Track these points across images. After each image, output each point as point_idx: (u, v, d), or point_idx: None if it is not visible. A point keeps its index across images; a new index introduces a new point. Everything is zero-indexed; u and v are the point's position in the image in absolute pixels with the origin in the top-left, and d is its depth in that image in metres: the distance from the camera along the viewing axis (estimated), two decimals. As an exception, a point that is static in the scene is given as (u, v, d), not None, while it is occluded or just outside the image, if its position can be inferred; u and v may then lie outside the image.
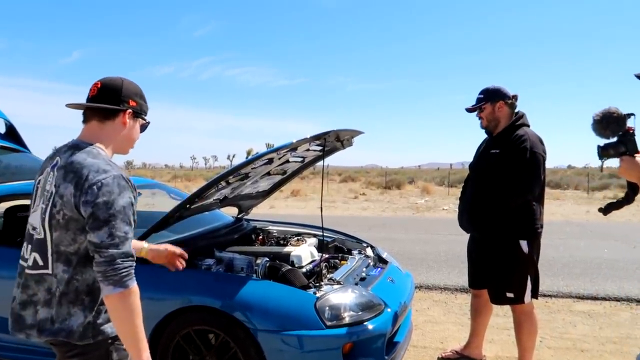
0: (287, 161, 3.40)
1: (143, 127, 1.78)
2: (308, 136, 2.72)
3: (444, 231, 9.85)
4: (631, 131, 1.80)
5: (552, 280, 5.35)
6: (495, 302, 3.07)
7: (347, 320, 2.53)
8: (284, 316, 2.49)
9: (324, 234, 3.88)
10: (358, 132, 3.29)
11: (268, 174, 3.48)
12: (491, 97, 2.99)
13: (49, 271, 1.57)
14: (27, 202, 3.86)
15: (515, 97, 3.01)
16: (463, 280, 5.40)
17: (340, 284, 2.81)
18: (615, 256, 7.00)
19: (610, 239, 8.83)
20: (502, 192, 2.85)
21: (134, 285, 1.51)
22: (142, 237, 2.80)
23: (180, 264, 2.22)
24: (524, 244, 2.90)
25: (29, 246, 1.63)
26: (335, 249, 3.72)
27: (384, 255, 3.63)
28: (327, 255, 3.31)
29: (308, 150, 3.26)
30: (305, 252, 3.20)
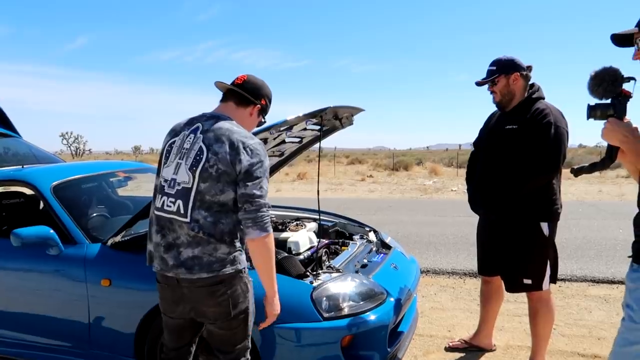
0: (284, 142, 3.19)
1: (259, 124, 2.15)
2: (301, 114, 2.51)
3: (452, 213, 9.64)
4: (626, 95, 1.72)
5: (566, 264, 5.12)
6: (510, 290, 2.86)
7: (346, 311, 2.35)
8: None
9: (325, 217, 3.69)
10: (358, 109, 3.07)
11: (264, 155, 3.28)
12: (505, 68, 2.73)
13: (187, 219, 1.85)
14: (15, 188, 3.73)
15: (529, 68, 2.77)
16: (472, 264, 5.21)
17: (340, 272, 2.63)
18: (631, 237, 6.74)
19: (624, 218, 8.54)
20: (524, 170, 2.62)
21: (272, 231, 1.87)
22: (128, 224, 2.64)
23: None
24: (544, 226, 2.70)
25: (169, 197, 1.91)
26: (336, 234, 3.53)
27: (388, 240, 3.43)
28: (326, 241, 3.12)
29: (305, 129, 3.04)
30: (303, 238, 3.02)
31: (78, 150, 60.50)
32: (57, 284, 2.69)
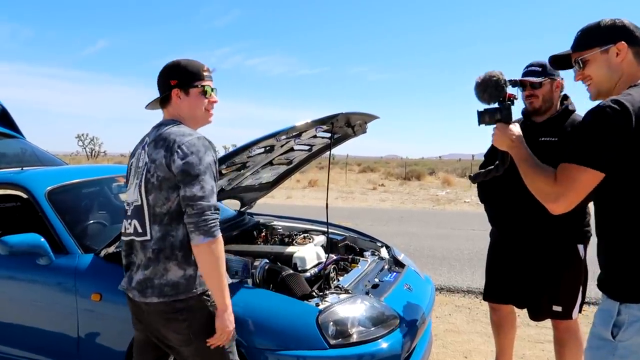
0: (292, 149, 3.00)
1: (204, 93, 1.85)
2: (309, 120, 2.31)
3: (465, 226, 9.35)
4: (511, 98, 1.77)
5: (589, 285, 4.82)
6: (535, 318, 2.63)
7: (354, 337, 2.14)
8: (280, 332, 2.12)
9: (334, 230, 3.48)
10: (372, 117, 2.86)
11: (271, 163, 3.09)
12: (551, 72, 2.49)
13: (148, 237, 1.74)
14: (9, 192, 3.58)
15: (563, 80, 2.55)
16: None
17: (349, 292, 2.41)
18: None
19: None
20: None
21: (219, 235, 1.69)
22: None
23: None
24: (581, 249, 2.50)
25: (126, 220, 1.83)
26: (346, 248, 3.31)
27: (401, 258, 3.20)
28: (335, 257, 2.90)
29: (315, 137, 2.85)
30: (310, 253, 2.81)
31: (93, 151, 61.13)
32: (46, 296, 2.54)
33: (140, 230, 1.77)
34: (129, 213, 1.83)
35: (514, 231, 2.65)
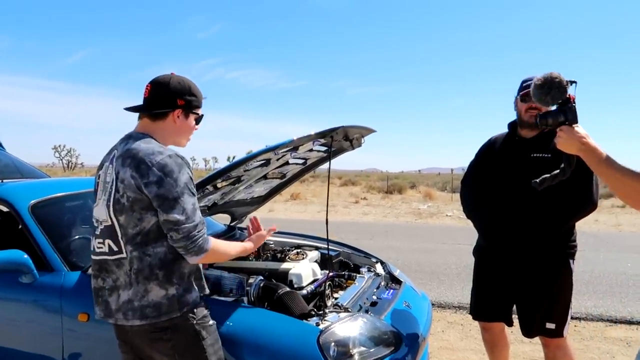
0: (287, 163, 2.93)
1: (198, 120, 1.83)
2: (312, 133, 2.25)
3: (450, 240, 9.37)
4: (572, 100, 1.70)
5: (579, 300, 4.85)
6: (529, 335, 2.58)
7: (356, 358, 2.06)
8: (279, 353, 2.02)
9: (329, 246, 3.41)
10: (369, 130, 2.82)
11: (264, 177, 3.01)
12: None
13: (124, 255, 1.66)
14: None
15: None
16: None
17: (348, 311, 2.34)
18: (640, 271, 6.52)
19: (629, 251, 8.33)
20: (571, 207, 2.40)
21: (211, 245, 1.69)
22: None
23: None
24: (571, 263, 2.48)
25: (97, 238, 1.74)
26: (340, 264, 3.24)
27: (397, 274, 3.14)
28: (331, 274, 2.83)
29: (311, 150, 2.79)
30: (306, 270, 2.73)
31: (70, 163, 59.93)
32: (30, 316, 2.41)
33: (115, 248, 1.68)
34: (98, 232, 1.74)
35: (505, 245, 2.57)
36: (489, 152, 2.72)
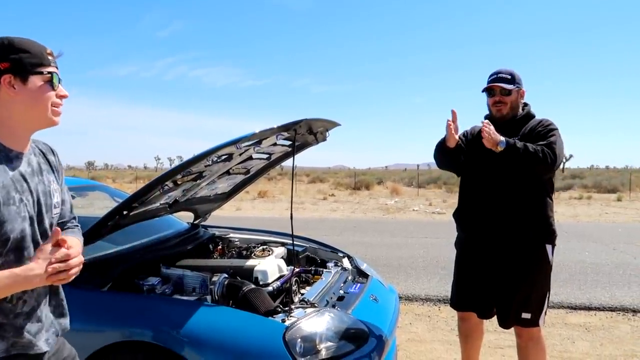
0: (250, 158, 2.86)
1: (50, 82, 1.31)
2: (275, 126, 2.20)
3: (417, 234, 9.48)
4: None
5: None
6: (505, 325, 2.56)
7: (323, 354, 2.02)
8: (244, 352, 1.97)
9: (294, 242, 3.37)
10: (333, 123, 2.78)
11: (227, 173, 2.94)
12: (518, 82, 2.54)
13: None
14: None
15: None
16: (445, 289, 4.98)
17: (315, 306, 2.30)
18: (598, 260, 6.75)
19: (587, 240, 8.63)
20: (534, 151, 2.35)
21: None
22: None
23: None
24: (549, 250, 2.46)
25: None
26: (307, 260, 3.20)
27: (364, 268, 3.13)
28: (297, 269, 2.79)
29: (275, 145, 2.74)
30: (271, 266, 2.68)
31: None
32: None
33: None
34: None
35: (481, 233, 2.57)
36: (468, 140, 2.71)
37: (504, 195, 2.46)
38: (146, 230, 3.15)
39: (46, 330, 1.34)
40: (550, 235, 2.48)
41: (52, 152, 1.45)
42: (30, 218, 1.26)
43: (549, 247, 2.46)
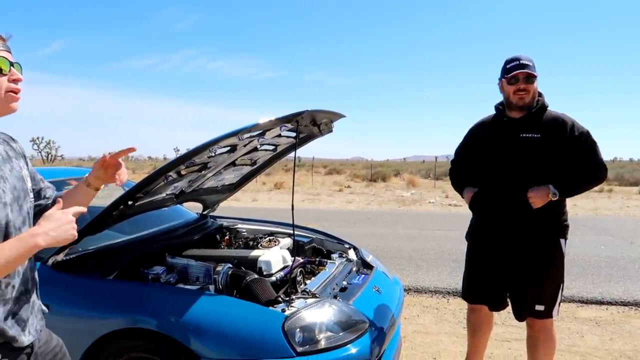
0: (256, 149, 2.89)
1: (4, 66, 1.26)
2: (272, 118, 2.21)
3: (431, 226, 9.43)
4: None
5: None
6: (520, 318, 2.57)
7: (322, 344, 2.04)
8: (244, 341, 2.00)
9: (300, 233, 3.40)
10: (338, 115, 2.78)
11: (233, 164, 2.97)
12: (536, 70, 2.46)
13: None
14: None
15: None
16: (455, 282, 4.96)
17: (316, 296, 2.32)
18: (614, 254, 6.63)
19: (604, 234, 8.47)
20: (582, 176, 2.44)
21: None
22: (75, 242, 2.30)
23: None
24: (563, 244, 2.46)
25: None
26: (313, 251, 3.22)
27: (369, 259, 3.14)
28: (301, 260, 2.81)
29: (280, 136, 2.75)
30: (275, 257, 2.71)
31: (49, 155, 58.84)
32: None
33: None
34: None
35: (496, 225, 2.56)
36: (478, 134, 2.71)
37: (520, 189, 2.44)
38: (155, 220, 3.20)
39: (35, 316, 1.39)
40: (563, 229, 2.49)
41: (13, 139, 1.44)
42: (11, 204, 1.27)
43: (562, 242, 2.47)
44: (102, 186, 1.58)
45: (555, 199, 2.38)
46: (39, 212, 1.44)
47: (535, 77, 2.44)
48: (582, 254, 6.50)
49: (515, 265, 2.50)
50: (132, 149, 1.50)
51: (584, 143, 2.42)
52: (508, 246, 2.51)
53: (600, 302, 4.38)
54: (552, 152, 2.41)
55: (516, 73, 2.43)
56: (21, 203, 1.32)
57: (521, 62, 2.43)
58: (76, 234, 1.24)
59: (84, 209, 1.35)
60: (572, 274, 5.32)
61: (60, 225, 1.20)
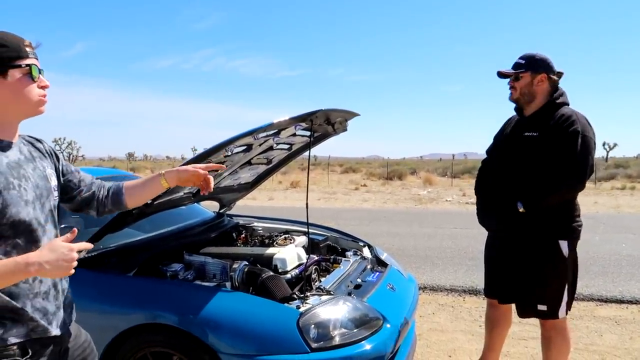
0: (271, 148, 2.92)
1: (30, 74, 1.33)
2: (287, 117, 2.24)
3: (448, 224, 9.37)
4: None
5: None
6: (522, 316, 2.57)
7: (337, 340, 2.07)
8: (259, 337, 2.04)
9: (315, 231, 3.42)
10: (352, 114, 2.80)
11: (249, 163, 3.01)
12: (534, 66, 2.47)
13: None
14: None
15: (560, 75, 2.50)
16: (471, 280, 4.94)
17: (331, 293, 2.35)
18: (635, 252, 6.51)
19: (626, 232, 8.33)
20: (547, 183, 2.36)
21: None
22: (93, 239, 2.37)
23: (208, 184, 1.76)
24: (563, 245, 2.41)
25: None
26: (328, 249, 3.25)
27: (383, 257, 3.15)
28: (316, 258, 2.84)
29: (294, 135, 2.78)
30: (291, 254, 2.74)
31: (71, 156, 59.98)
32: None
33: None
34: None
35: (496, 226, 2.63)
36: (500, 132, 2.75)
37: (518, 189, 2.44)
38: (174, 219, 3.27)
39: (64, 310, 1.44)
40: (564, 231, 2.44)
41: (39, 140, 1.51)
42: (33, 202, 1.33)
43: (563, 243, 2.42)
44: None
45: (523, 210, 2.40)
46: (84, 201, 1.57)
47: (518, 75, 2.48)
48: (603, 252, 6.41)
49: (516, 265, 2.52)
50: (221, 167, 1.84)
51: (566, 142, 2.33)
52: (505, 246, 2.57)
53: (620, 301, 4.32)
54: (548, 151, 2.37)
55: (500, 71, 2.55)
56: (43, 201, 1.38)
57: (516, 60, 2.54)
58: (73, 271, 1.22)
59: (90, 246, 1.37)
60: (591, 272, 5.26)
61: (59, 260, 1.18)
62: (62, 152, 59.79)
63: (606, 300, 4.35)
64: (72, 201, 1.58)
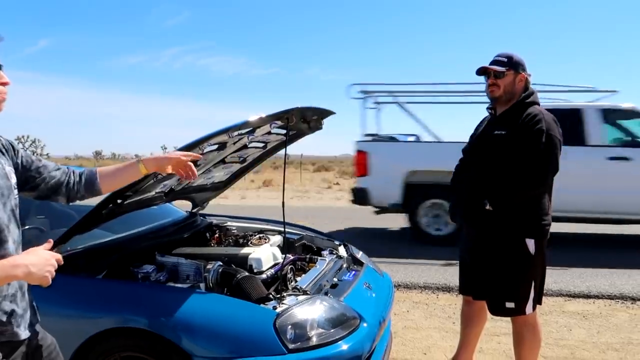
0: (245, 147, 2.88)
1: None
2: (262, 115, 2.21)
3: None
4: None
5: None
6: (494, 314, 2.61)
7: (314, 340, 2.05)
8: (235, 339, 2.01)
9: (291, 230, 3.39)
10: (327, 112, 2.79)
11: (223, 162, 2.95)
12: (516, 65, 2.51)
13: None
14: None
15: (529, 76, 2.57)
16: (444, 277, 5.00)
17: (307, 293, 2.32)
18: (601, 247, 6.72)
19: (586, 229, 8.58)
20: (510, 182, 2.40)
21: None
22: (61, 240, 2.27)
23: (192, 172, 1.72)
24: (530, 243, 2.44)
25: None
26: (303, 248, 3.22)
27: (359, 256, 3.15)
28: (292, 257, 2.81)
29: (269, 133, 2.75)
30: (266, 254, 2.71)
31: (35, 154, 58.04)
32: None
33: None
34: None
35: (465, 224, 2.68)
36: (475, 131, 2.78)
37: (486, 187, 2.48)
38: (145, 219, 3.18)
39: (29, 312, 1.38)
40: (531, 229, 2.46)
41: None
42: None
43: (529, 241, 2.44)
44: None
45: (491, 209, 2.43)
46: (50, 188, 1.51)
47: (502, 73, 2.50)
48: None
49: (482, 262, 2.55)
50: (199, 157, 1.80)
51: (531, 140, 2.36)
52: (474, 244, 2.60)
53: (587, 296, 4.44)
54: (514, 151, 2.40)
55: (485, 67, 2.55)
56: (4, 200, 1.32)
57: (496, 58, 2.55)
58: (50, 281, 1.21)
59: (61, 261, 1.28)
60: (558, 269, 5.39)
61: (43, 264, 1.17)
62: (25, 150, 57.81)
63: (574, 296, 4.46)
64: (36, 189, 1.52)
